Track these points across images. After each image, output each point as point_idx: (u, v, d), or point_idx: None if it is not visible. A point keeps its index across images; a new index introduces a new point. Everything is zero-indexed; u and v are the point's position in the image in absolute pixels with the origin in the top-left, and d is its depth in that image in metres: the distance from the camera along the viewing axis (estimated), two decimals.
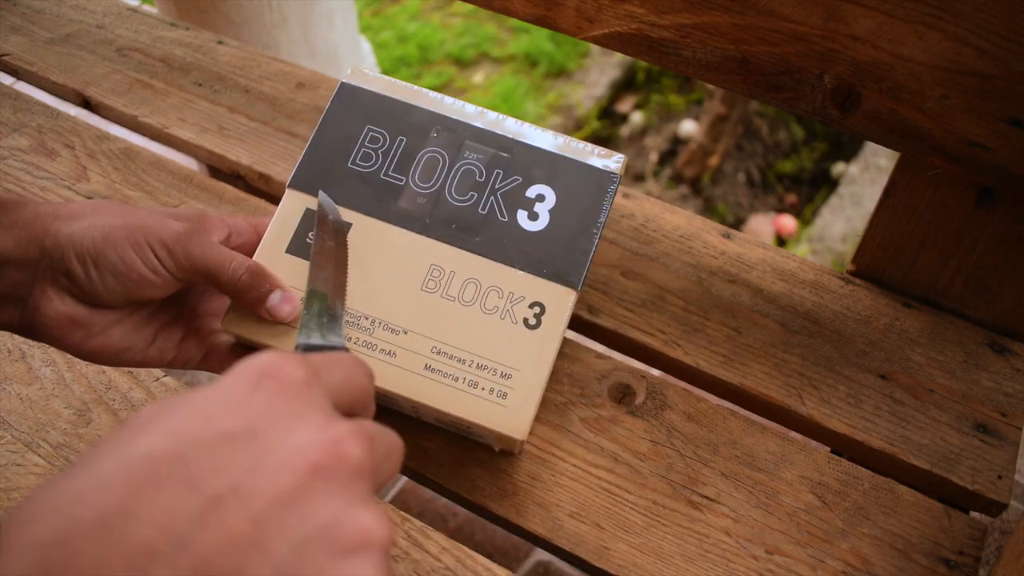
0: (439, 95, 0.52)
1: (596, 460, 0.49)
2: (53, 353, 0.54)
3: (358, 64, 1.42)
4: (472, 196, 0.49)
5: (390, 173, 0.49)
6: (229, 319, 0.46)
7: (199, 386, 0.30)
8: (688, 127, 1.85)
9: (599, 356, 0.54)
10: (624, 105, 1.96)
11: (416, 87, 0.52)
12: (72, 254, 0.41)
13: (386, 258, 0.48)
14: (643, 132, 1.89)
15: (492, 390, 0.44)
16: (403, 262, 0.47)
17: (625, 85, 2.00)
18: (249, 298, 0.44)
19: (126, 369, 0.53)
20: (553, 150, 0.50)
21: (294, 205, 0.49)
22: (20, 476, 0.48)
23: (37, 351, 0.54)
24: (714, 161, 1.75)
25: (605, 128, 1.90)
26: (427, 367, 0.45)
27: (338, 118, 0.51)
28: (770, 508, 0.48)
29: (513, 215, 0.48)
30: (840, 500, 0.48)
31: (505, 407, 0.44)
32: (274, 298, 0.45)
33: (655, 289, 0.57)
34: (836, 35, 0.48)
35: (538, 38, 2.04)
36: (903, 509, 0.48)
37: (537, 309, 0.46)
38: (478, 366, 0.45)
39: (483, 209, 0.49)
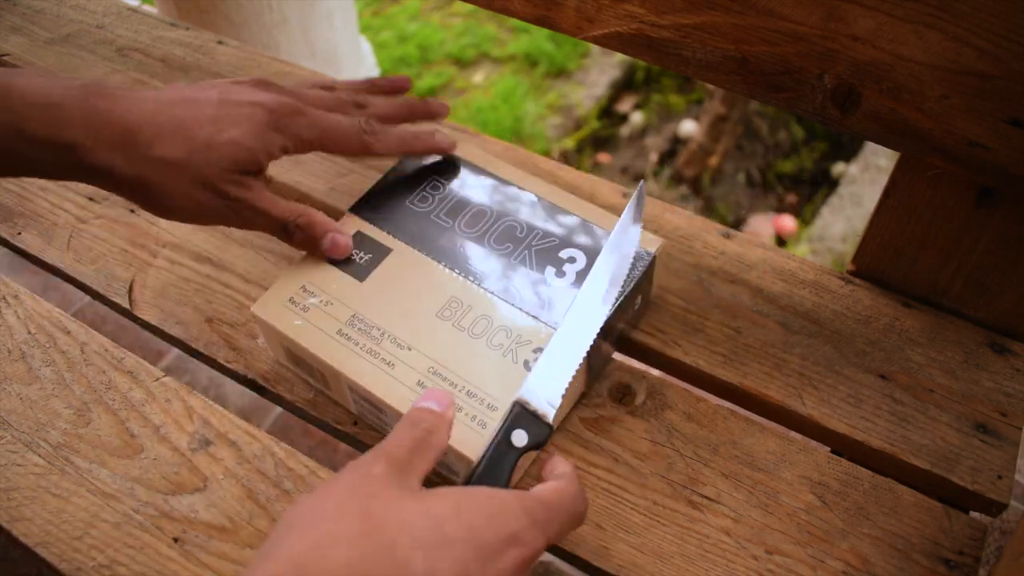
0: (513, 168, 0.56)
1: (596, 460, 0.49)
2: (53, 353, 0.54)
3: (358, 63, 1.42)
4: (508, 247, 0.52)
5: (440, 216, 0.53)
6: (259, 305, 0.48)
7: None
8: (688, 127, 1.85)
9: None
10: (624, 105, 1.96)
11: (493, 157, 0.56)
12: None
13: (413, 283, 0.50)
14: (643, 132, 1.89)
15: (474, 417, 0.45)
16: (427, 289, 0.50)
17: (625, 85, 2.00)
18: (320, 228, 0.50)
19: (126, 369, 0.53)
20: (595, 224, 0.53)
21: (349, 226, 0.53)
22: (20, 476, 0.48)
23: (37, 351, 0.54)
24: (714, 161, 1.75)
25: (605, 128, 1.90)
26: (419, 383, 0.46)
27: (408, 167, 0.56)
28: (770, 508, 0.48)
29: (542, 270, 0.51)
30: (840, 500, 0.48)
31: (481, 436, 0.44)
32: (337, 237, 0.51)
33: (655, 289, 0.57)
34: (836, 35, 0.48)
35: (538, 38, 2.04)
36: (903, 509, 0.48)
37: (539, 354, 0.47)
38: (467, 393, 0.46)
39: (515, 258, 0.51)
